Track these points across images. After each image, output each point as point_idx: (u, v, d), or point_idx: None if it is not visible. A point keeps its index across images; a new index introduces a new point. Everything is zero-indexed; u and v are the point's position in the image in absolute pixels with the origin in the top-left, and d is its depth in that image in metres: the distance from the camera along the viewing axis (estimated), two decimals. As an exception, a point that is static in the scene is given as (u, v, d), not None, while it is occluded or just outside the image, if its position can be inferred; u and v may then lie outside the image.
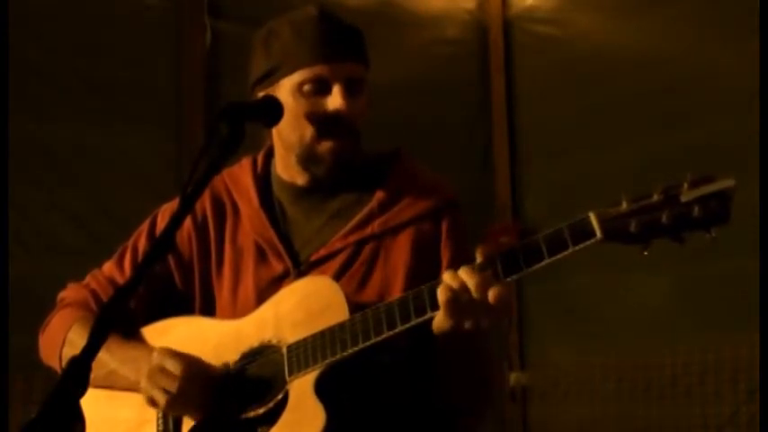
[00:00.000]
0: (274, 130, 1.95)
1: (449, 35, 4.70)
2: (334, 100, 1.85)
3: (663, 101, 4.03)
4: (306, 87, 1.86)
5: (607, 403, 4.14)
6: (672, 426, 3.92)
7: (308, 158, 1.90)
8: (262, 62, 1.92)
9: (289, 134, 1.91)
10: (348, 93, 1.86)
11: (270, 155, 2.05)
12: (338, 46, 1.87)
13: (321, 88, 1.86)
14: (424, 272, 1.73)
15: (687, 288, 3.90)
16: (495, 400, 1.94)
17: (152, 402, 1.82)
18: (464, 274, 1.62)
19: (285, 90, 1.87)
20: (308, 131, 1.88)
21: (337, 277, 1.83)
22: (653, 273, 3.94)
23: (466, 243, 1.70)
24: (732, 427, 3.70)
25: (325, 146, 1.88)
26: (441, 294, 1.62)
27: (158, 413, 1.90)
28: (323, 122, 1.87)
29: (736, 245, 3.56)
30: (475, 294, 1.60)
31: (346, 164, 1.90)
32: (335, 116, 1.86)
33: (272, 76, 1.90)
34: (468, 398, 1.84)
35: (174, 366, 1.80)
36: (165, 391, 1.79)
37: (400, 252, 1.89)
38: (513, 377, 4.38)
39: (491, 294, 1.60)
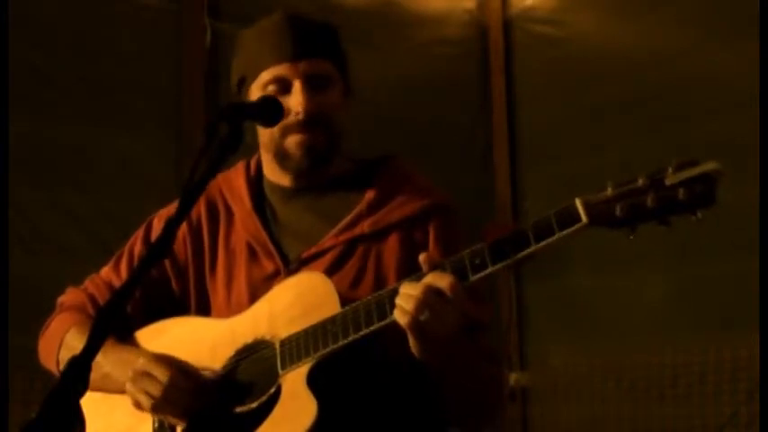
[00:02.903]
0: (258, 133, 1.98)
1: (449, 35, 4.70)
2: (295, 97, 1.89)
3: (663, 101, 4.03)
4: (270, 88, 1.91)
5: (607, 403, 4.14)
6: (672, 426, 3.92)
7: (280, 156, 1.94)
8: (234, 72, 1.99)
9: (263, 135, 1.96)
10: (310, 88, 1.89)
11: None
12: (296, 44, 1.91)
13: (284, 87, 1.90)
14: (415, 273, 1.73)
15: (687, 288, 3.89)
16: (496, 413, 1.94)
17: (138, 406, 1.85)
18: (408, 289, 1.64)
19: (255, 94, 1.92)
20: (276, 130, 1.90)
21: (328, 275, 1.84)
22: (653, 273, 3.94)
23: (458, 246, 1.70)
24: (732, 427, 3.70)
25: (291, 141, 1.91)
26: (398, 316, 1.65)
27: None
28: (287, 119, 1.89)
29: (736, 245, 3.57)
30: (423, 302, 1.62)
31: (320, 156, 1.93)
32: (298, 112, 1.89)
33: (243, 84, 1.96)
34: (467, 403, 1.84)
35: (158, 371, 1.83)
36: (149, 395, 1.82)
37: (391, 253, 1.90)
38: (513, 377, 4.38)
39: (444, 287, 1.62)
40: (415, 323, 1.63)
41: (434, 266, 1.67)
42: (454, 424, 1.88)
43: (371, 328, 1.71)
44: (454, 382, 1.78)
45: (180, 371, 1.84)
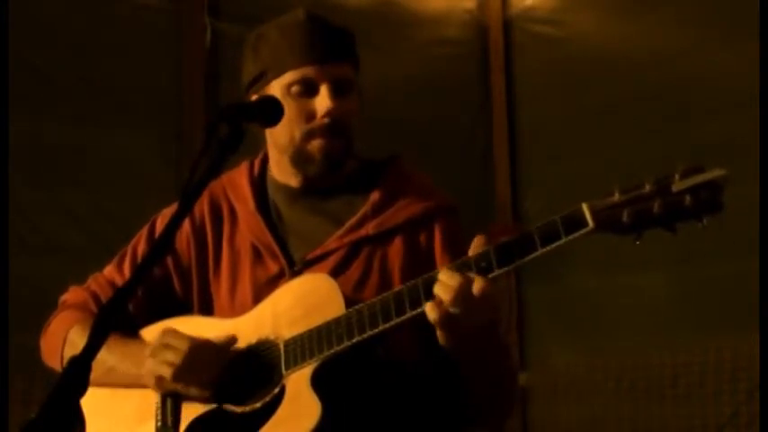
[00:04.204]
0: (268, 133, 1.98)
1: (449, 35, 4.70)
2: (322, 101, 1.88)
3: (663, 101, 4.03)
4: (294, 89, 1.89)
5: (607, 403, 4.14)
6: (672, 426, 3.92)
7: (299, 159, 1.93)
8: (252, 66, 1.96)
9: (280, 136, 1.94)
10: (336, 93, 1.89)
11: (267, 158, 2.07)
12: (325, 47, 1.90)
13: (309, 89, 1.90)
14: (419, 275, 1.74)
15: (687, 288, 3.90)
16: (515, 397, 1.95)
17: (159, 380, 1.84)
18: (444, 276, 1.64)
19: (275, 92, 1.90)
20: (298, 132, 1.90)
21: (332, 276, 1.84)
22: (653, 273, 3.94)
23: (463, 247, 1.71)
24: (732, 427, 3.70)
25: (315, 145, 1.90)
26: (429, 313, 1.65)
27: (157, 409, 1.90)
28: (311, 123, 1.89)
29: (737, 245, 3.57)
30: (460, 294, 1.62)
31: (337, 162, 1.93)
32: (324, 116, 1.88)
33: (262, 79, 1.94)
34: (491, 398, 1.85)
35: (176, 341, 1.83)
36: (170, 365, 1.82)
37: (396, 256, 1.91)
38: (514, 377, 4.38)
39: (475, 289, 1.62)
40: (447, 315, 1.64)
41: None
42: (475, 420, 1.88)
43: (376, 329, 1.71)
44: (481, 373, 1.78)
45: (196, 340, 1.84)
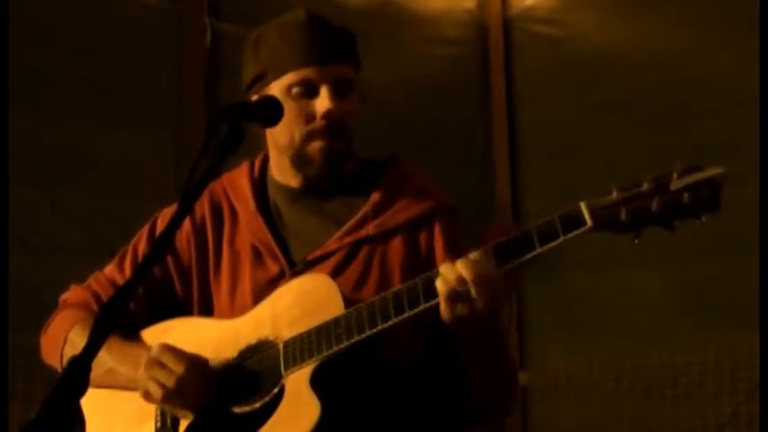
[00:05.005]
0: (268, 133, 1.97)
1: (449, 35, 4.70)
2: (322, 102, 1.88)
3: (663, 101, 4.03)
4: (294, 90, 1.89)
5: (607, 403, 4.14)
6: (672, 426, 3.92)
7: (299, 160, 1.93)
8: (251, 67, 1.96)
9: (280, 136, 1.94)
10: (336, 94, 1.89)
11: (267, 158, 2.07)
12: (325, 48, 1.90)
13: (309, 90, 1.90)
14: (419, 275, 1.74)
15: (687, 288, 3.90)
16: (515, 397, 1.95)
17: (147, 395, 1.84)
18: (460, 266, 1.63)
19: (275, 93, 1.90)
20: (298, 133, 1.90)
21: (333, 277, 1.84)
22: (653, 273, 3.94)
23: (463, 247, 1.71)
24: (732, 427, 3.70)
25: (315, 146, 1.91)
26: (439, 286, 1.65)
27: (157, 410, 1.91)
28: (312, 124, 1.89)
29: (737, 245, 3.57)
30: (470, 284, 1.61)
31: (337, 164, 1.93)
32: (324, 117, 1.88)
33: (262, 80, 1.94)
34: (491, 396, 1.85)
35: (172, 361, 1.82)
36: (161, 385, 1.81)
37: (396, 255, 1.91)
38: (514, 377, 4.37)
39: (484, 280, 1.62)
40: (452, 292, 1.63)
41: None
42: (474, 420, 1.87)
43: (375, 329, 1.71)
44: (482, 369, 1.78)
45: (193, 364, 1.83)
